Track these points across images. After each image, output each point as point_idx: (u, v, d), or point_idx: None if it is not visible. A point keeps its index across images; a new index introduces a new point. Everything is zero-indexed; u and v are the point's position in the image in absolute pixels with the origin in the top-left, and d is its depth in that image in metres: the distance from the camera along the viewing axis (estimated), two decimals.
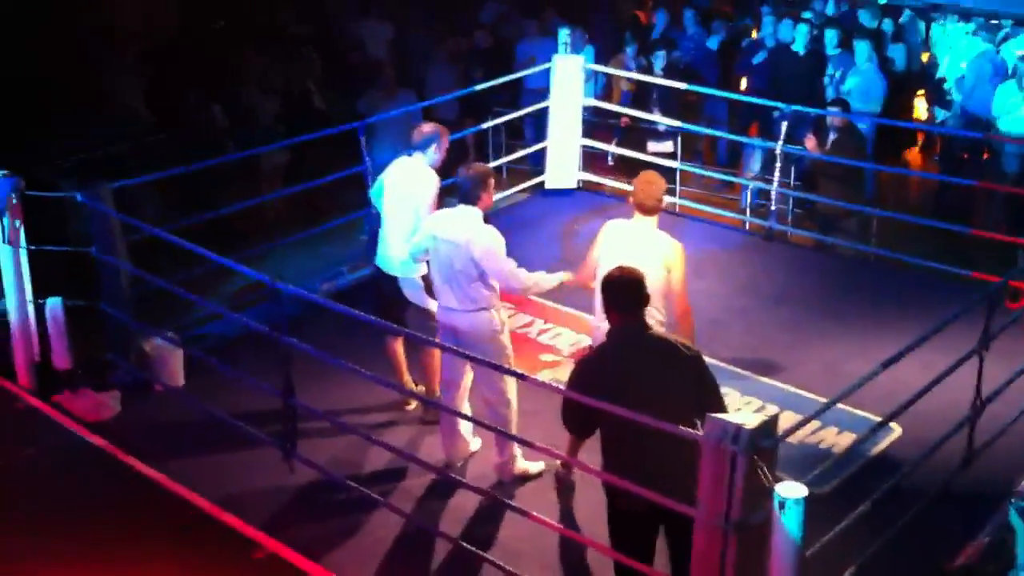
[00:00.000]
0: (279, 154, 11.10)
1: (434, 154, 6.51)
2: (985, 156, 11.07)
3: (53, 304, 6.81)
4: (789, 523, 3.84)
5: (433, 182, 6.42)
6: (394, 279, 6.53)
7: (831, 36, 11.59)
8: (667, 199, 10.31)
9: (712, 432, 3.96)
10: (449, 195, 6.29)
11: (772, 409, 6.45)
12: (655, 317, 5.48)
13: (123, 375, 6.98)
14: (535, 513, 5.07)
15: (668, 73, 11.57)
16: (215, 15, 13.33)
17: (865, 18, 12.76)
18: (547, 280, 6.02)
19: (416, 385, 6.76)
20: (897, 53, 12.28)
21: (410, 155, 6.60)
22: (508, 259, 5.84)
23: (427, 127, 6.62)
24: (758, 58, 11.93)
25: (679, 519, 4.18)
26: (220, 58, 12.03)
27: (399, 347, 6.74)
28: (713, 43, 12.94)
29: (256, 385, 6.10)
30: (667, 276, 5.57)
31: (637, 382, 4.46)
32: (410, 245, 6.23)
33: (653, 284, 5.39)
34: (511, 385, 5.96)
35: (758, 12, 13.32)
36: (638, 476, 4.38)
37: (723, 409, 4.51)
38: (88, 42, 11.93)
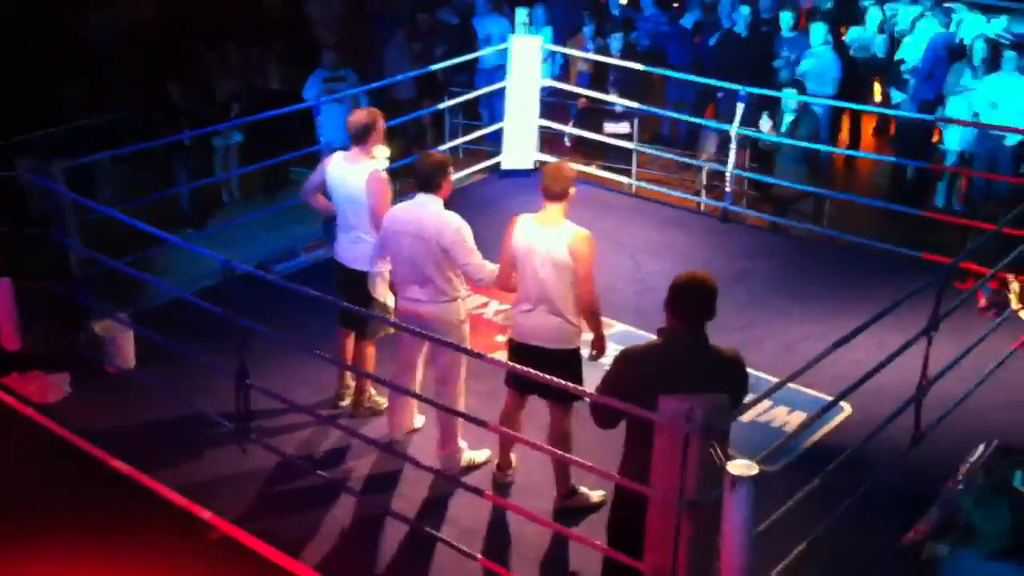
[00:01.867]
0: (233, 133, 11.04)
1: (372, 143, 6.29)
2: (936, 138, 11.20)
3: (2, 284, 6.71)
4: (741, 501, 3.88)
5: (380, 183, 6.17)
6: (355, 273, 6.37)
7: (786, 18, 11.64)
8: (624, 180, 10.54)
9: (666, 412, 3.99)
10: (402, 177, 6.16)
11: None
12: (562, 306, 5.43)
13: (74, 357, 6.90)
14: (488, 492, 5.09)
15: (626, 54, 11.59)
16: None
17: None
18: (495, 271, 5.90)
19: (353, 382, 6.65)
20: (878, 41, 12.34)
21: (347, 149, 6.38)
22: (474, 250, 5.75)
23: (359, 116, 6.32)
24: (711, 40, 11.98)
25: None
26: (181, 39, 11.90)
27: (349, 344, 6.61)
28: (688, 22, 12.93)
29: (210, 366, 6.06)
30: (573, 265, 5.39)
31: (670, 386, 4.13)
32: (373, 246, 6.15)
33: (561, 275, 5.41)
34: (462, 375, 5.95)
35: None
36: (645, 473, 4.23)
37: None
38: (55, 20, 11.79)
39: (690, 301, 4.39)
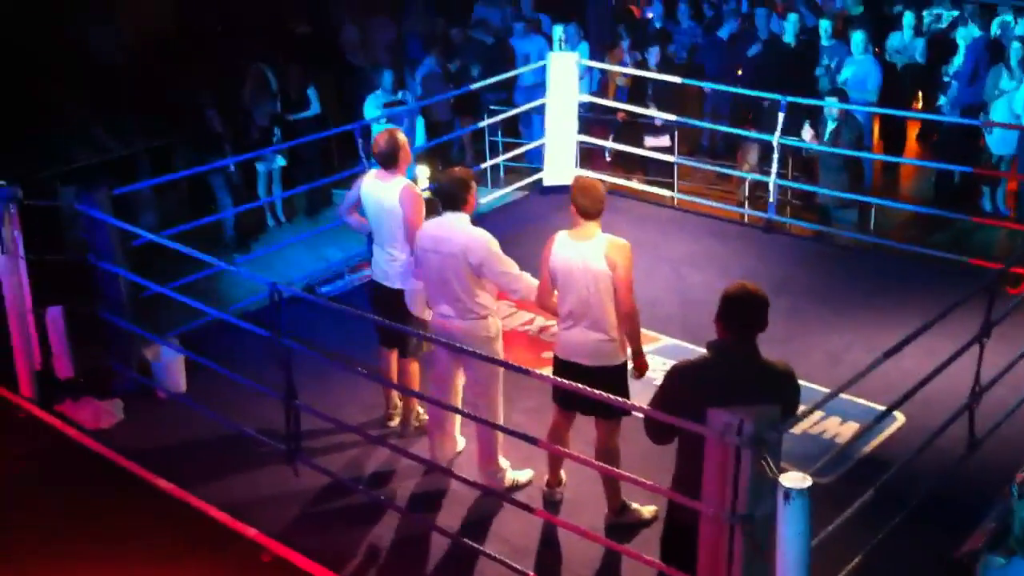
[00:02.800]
0: (276, 158, 11.14)
1: (400, 162, 6.30)
2: (982, 142, 11.07)
3: (53, 312, 6.81)
4: (794, 514, 3.84)
5: (414, 194, 6.22)
6: (392, 291, 6.40)
7: (825, 26, 11.60)
8: (666, 193, 10.51)
9: (716, 426, 3.96)
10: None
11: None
12: (603, 320, 5.41)
13: (125, 383, 6.98)
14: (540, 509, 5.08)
15: (663, 67, 11.58)
16: (214, 17, 13.34)
17: (850, 4, 12.79)
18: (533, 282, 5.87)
19: (400, 401, 6.68)
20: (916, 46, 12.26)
21: (376, 167, 6.41)
22: (508, 261, 5.77)
23: (380, 140, 6.31)
24: (752, 51, 11.94)
25: None
26: (217, 62, 12.04)
27: (393, 363, 6.62)
28: (724, 33, 12.91)
29: (258, 389, 6.10)
30: (611, 275, 5.37)
31: (723, 400, 4.09)
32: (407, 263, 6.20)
33: (600, 286, 5.38)
34: (499, 391, 5.93)
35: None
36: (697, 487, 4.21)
37: None
38: (89, 46, 11.98)
39: (741, 312, 4.36)
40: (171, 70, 11.47)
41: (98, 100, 10.96)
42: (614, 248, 5.40)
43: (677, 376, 4.45)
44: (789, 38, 11.44)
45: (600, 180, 5.73)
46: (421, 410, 6.60)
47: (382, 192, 6.28)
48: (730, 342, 4.36)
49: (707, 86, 11.21)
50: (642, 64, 11.89)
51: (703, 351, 4.48)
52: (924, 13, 13.47)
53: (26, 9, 11.31)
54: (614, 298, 5.41)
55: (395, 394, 6.66)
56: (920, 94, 12.81)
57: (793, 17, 11.50)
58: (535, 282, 5.79)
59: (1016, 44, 10.37)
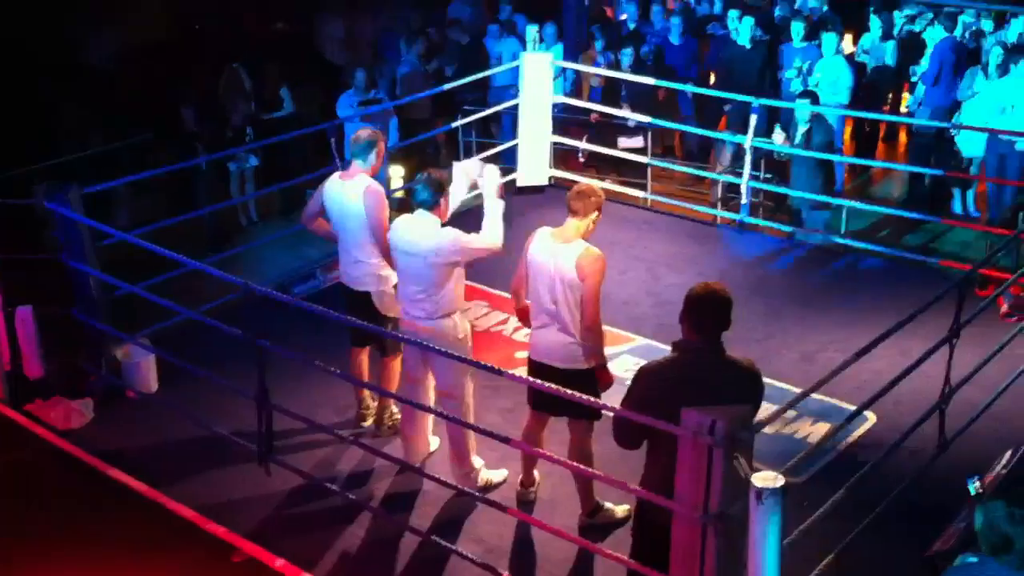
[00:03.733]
0: (249, 157, 11.10)
1: (372, 160, 6.31)
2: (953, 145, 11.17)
3: (23, 312, 6.75)
4: (767, 513, 3.86)
5: (377, 195, 6.24)
6: (359, 294, 6.39)
7: (797, 28, 11.65)
8: (639, 194, 10.53)
9: (689, 425, 3.97)
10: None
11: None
12: (571, 324, 5.41)
13: (96, 382, 6.93)
14: (512, 509, 5.08)
15: (637, 68, 11.60)
16: (194, 19, 13.28)
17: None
18: (497, 226, 5.93)
19: (373, 401, 6.68)
20: (885, 48, 12.35)
21: (346, 167, 6.41)
22: (474, 239, 5.78)
23: (364, 133, 6.36)
24: (716, 53, 12.01)
25: None
26: (193, 63, 11.98)
27: (364, 363, 6.63)
28: (675, 36, 12.94)
29: (231, 389, 6.07)
30: (580, 285, 5.36)
31: (690, 399, 4.12)
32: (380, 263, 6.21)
33: (569, 293, 5.38)
34: (469, 390, 5.93)
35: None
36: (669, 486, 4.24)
37: None
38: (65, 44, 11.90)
39: (706, 312, 4.40)
40: (149, 69, 11.39)
41: (81, 99, 10.88)
42: (587, 258, 5.37)
43: (644, 377, 4.47)
44: (743, 40, 11.47)
45: (596, 188, 5.72)
46: (395, 409, 6.59)
47: (345, 194, 6.26)
48: (695, 342, 4.39)
49: (676, 87, 11.24)
50: (615, 65, 11.91)
51: None
52: (895, 14, 13.57)
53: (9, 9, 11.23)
54: (580, 308, 5.41)
55: (367, 394, 6.65)
56: (890, 96, 12.90)
57: (748, 20, 11.53)
58: (496, 232, 5.85)
59: (997, 49, 10.47)
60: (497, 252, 5.88)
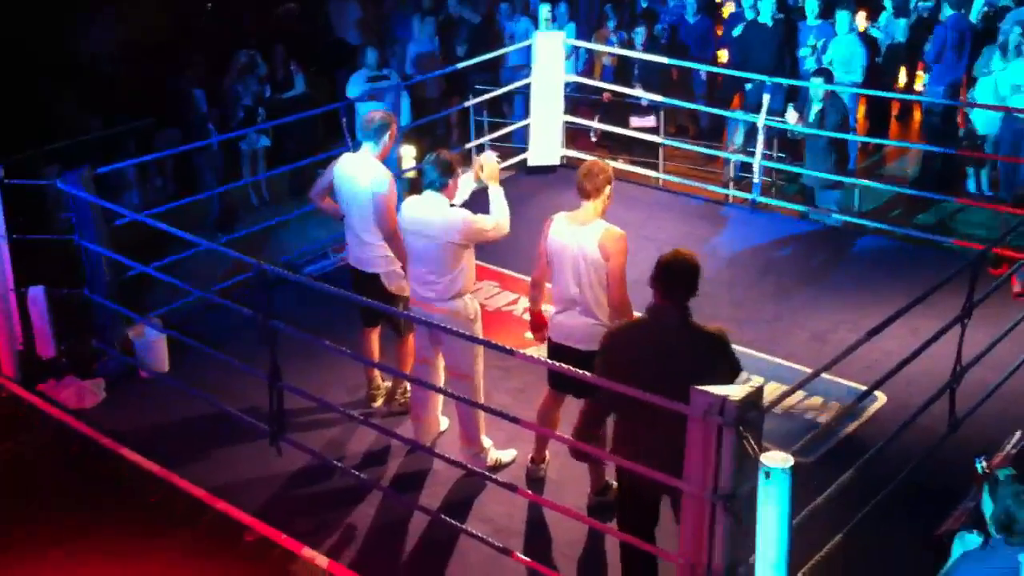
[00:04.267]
0: (261, 138, 11.10)
1: (384, 143, 6.29)
2: (960, 124, 11.10)
3: (35, 292, 6.78)
4: (776, 493, 3.85)
5: (386, 178, 6.21)
6: (367, 276, 6.39)
7: (811, 5, 11.58)
8: (651, 173, 10.50)
9: (698, 404, 3.97)
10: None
11: (758, 381, 6.47)
12: (595, 306, 5.43)
13: (108, 362, 6.96)
14: (522, 489, 5.09)
15: (650, 47, 11.55)
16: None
17: None
18: (503, 210, 5.95)
19: (383, 381, 6.70)
20: (898, 26, 12.27)
21: (357, 149, 6.41)
22: (483, 219, 5.79)
23: (377, 115, 6.35)
24: (736, 31, 11.92)
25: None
26: (205, 44, 11.96)
27: (375, 343, 6.65)
28: (689, 14, 12.88)
29: (242, 369, 6.09)
30: (605, 265, 5.38)
31: (657, 363, 4.40)
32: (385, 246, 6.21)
33: (593, 274, 5.39)
34: (479, 371, 5.93)
35: None
36: (644, 452, 4.39)
37: None
38: (73, 28, 11.90)
39: (673, 279, 4.55)
40: (160, 53, 11.39)
41: (86, 82, 10.89)
42: (610, 238, 5.38)
43: (611, 340, 4.67)
44: (765, 18, 11.41)
45: (604, 164, 5.70)
46: (408, 387, 6.60)
47: (355, 176, 6.26)
48: (662, 307, 4.54)
49: (688, 65, 11.19)
50: (628, 44, 11.86)
51: None
52: None
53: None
54: (606, 288, 5.41)
55: (378, 374, 6.66)
56: (904, 74, 12.83)
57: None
58: (502, 219, 5.89)
59: (1017, 28, 10.37)
60: (504, 235, 5.90)
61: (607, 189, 5.49)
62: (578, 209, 5.50)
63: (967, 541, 4.26)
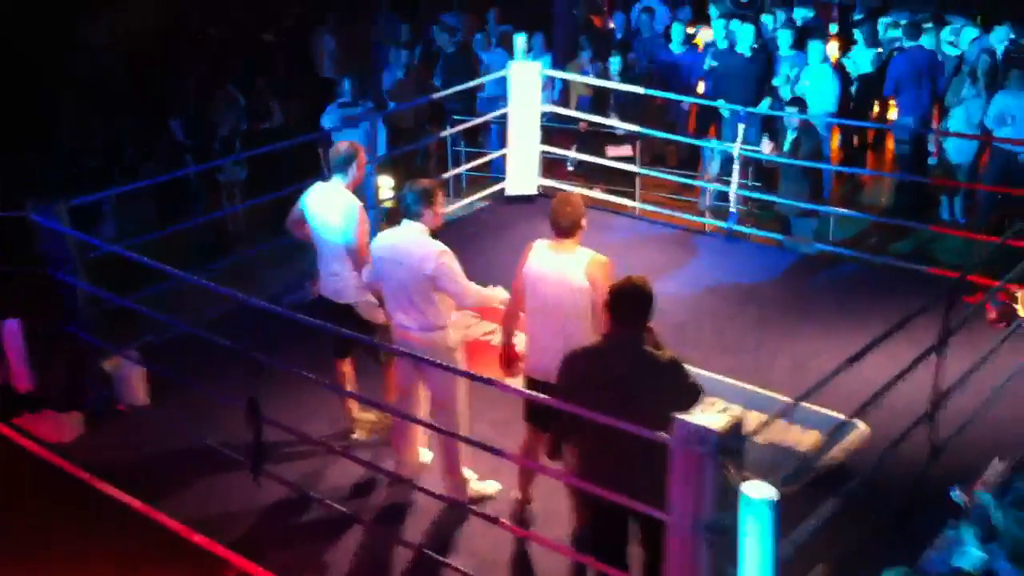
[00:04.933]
0: (238, 169, 11.09)
1: (353, 173, 6.31)
2: (934, 153, 11.23)
3: (11, 324, 6.72)
4: (759, 523, 3.86)
5: (355, 207, 6.22)
6: (341, 307, 6.37)
7: (784, 36, 11.71)
8: (629, 203, 10.55)
9: (680, 435, 3.98)
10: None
11: (736, 409, 6.48)
12: (577, 336, 5.34)
13: (86, 395, 6.90)
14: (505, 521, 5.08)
15: (625, 76, 11.63)
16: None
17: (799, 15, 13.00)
18: (491, 298, 5.93)
19: (361, 413, 6.66)
20: (866, 57, 12.42)
21: (327, 179, 6.43)
22: (460, 273, 5.71)
23: (343, 146, 6.36)
24: (710, 61, 12.03)
25: (650, 520, 4.22)
26: (182, 74, 11.97)
27: (349, 374, 6.62)
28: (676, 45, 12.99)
29: (222, 401, 6.06)
30: (591, 293, 5.33)
31: (618, 390, 4.46)
32: (362, 275, 6.18)
33: (577, 302, 5.36)
34: (462, 401, 5.90)
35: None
36: (607, 477, 4.43)
37: None
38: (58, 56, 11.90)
39: (626, 305, 4.63)
40: (140, 80, 11.39)
41: (69, 110, 10.87)
42: (596, 265, 5.35)
43: (567, 363, 4.75)
44: (743, 48, 11.53)
45: (575, 194, 5.70)
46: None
47: (324, 205, 6.27)
48: (616, 333, 4.64)
49: (664, 96, 11.28)
50: (604, 74, 11.94)
51: None
52: (881, 21, 13.65)
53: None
54: (592, 318, 5.36)
55: (355, 405, 6.63)
56: (876, 104, 12.97)
57: (749, 28, 11.59)
58: (482, 289, 5.86)
59: (984, 56, 10.52)
60: (469, 305, 5.86)
61: (583, 223, 5.48)
62: (558, 241, 5.47)
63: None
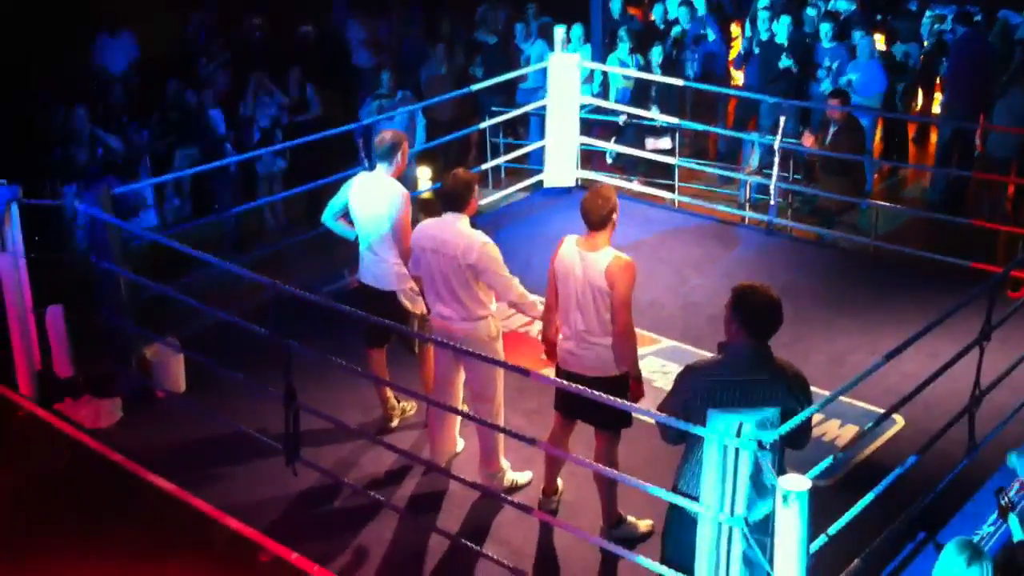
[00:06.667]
0: (278, 160, 11.15)
1: (397, 161, 6.32)
2: (979, 147, 11.07)
3: (53, 311, 6.81)
4: (793, 517, 3.83)
5: (401, 196, 6.23)
6: (382, 293, 6.41)
7: (826, 29, 11.60)
8: (667, 195, 10.50)
9: (715, 427, 3.96)
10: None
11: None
12: (600, 333, 5.36)
13: (125, 382, 6.98)
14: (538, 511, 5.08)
15: (666, 68, 11.58)
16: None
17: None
18: (531, 304, 5.90)
19: (398, 402, 6.70)
20: (912, 49, 12.31)
21: (372, 168, 6.47)
22: (503, 266, 5.73)
23: (388, 135, 6.39)
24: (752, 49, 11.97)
25: None
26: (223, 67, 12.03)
27: (382, 363, 6.63)
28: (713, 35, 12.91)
29: (258, 389, 6.10)
30: (610, 293, 5.28)
31: (741, 403, 4.22)
32: (401, 263, 6.21)
33: (599, 301, 5.32)
34: (500, 391, 5.92)
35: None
36: None
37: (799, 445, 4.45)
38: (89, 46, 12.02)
39: (762, 317, 4.39)
40: (177, 73, 11.47)
41: (103, 101, 10.95)
42: (616, 266, 5.30)
43: (689, 375, 4.46)
44: (781, 39, 11.43)
45: (608, 186, 5.66)
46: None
47: (371, 194, 6.30)
48: (744, 344, 4.37)
49: (704, 88, 11.21)
50: (646, 67, 11.88)
51: (703, 353, 4.51)
52: (926, 14, 13.51)
53: (37, 17, 11.34)
54: (611, 316, 5.35)
55: (391, 394, 6.65)
56: (920, 96, 12.84)
57: (785, 19, 11.50)
58: (526, 293, 5.84)
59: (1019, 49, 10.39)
60: (509, 299, 5.83)
61: (614, 216, 5.44)
62: (587, 236, 5.44)
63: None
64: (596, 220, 5.37)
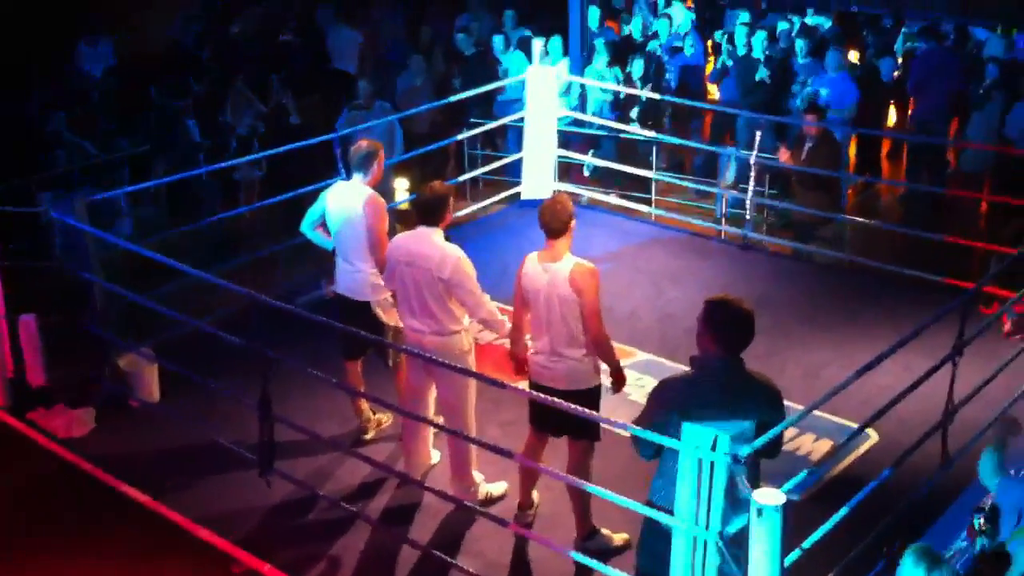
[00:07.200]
0: (254, 168, 11.12)
1: (373, 171, 6.34)
2: (952, 163, 11.17)
3: (26, 319, 6.76)
4: (767, 531, 3.84)
5: (376, 205, 6.25)
6: (358, 304, 6.40)
7: (801, 45, 11.68)
8: (644, 208, 10.53)
9: (689, 441, 3.97)
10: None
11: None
12: (572, 344, 5.37)
13: (99, 392, 6.93)
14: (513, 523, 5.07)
15: (644, 82, 11.62)
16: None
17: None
18: (500, 323, 5.88)
19: (373, 413, 6.68)
20: (885, 65, 12.40)
21: (348, 178, 6.47)
22: (475, 285, 5.73)
23: (364, 144, 6.40)
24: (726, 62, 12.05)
25: None
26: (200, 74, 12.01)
27: (358, 375, 6.63)
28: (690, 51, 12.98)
29: (233, 399, 6.07)
30: (578, 300, 5.32)
31: (715, 417, 4.10)
32: (376, 273, 6.21)
33: (567, 311, 5.34)
34: (471, 405, 5.91)
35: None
36: None
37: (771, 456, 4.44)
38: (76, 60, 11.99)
39: (733, 329, 4.39)
40: (154, 81, 11.43)
41: (81, 108, 10.90)
42: (579, 272, 5.33)
43: (664, 390, 4.46)
44: (757, 54, 11.51)
45: (571, 194, 5.69)
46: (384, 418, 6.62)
47: (347, 203, 6.29)
48: (718, 357, 4.37)
49: (680, 102, 11.26)
50: (627, 80, 11.93)
51: (679, 366, 4.51)
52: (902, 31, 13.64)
53: (17, 21, 11.29)
54: (582, 324, 5.37)
55: (366, 406, 6.63)
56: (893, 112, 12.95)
57: (761, 35, 11.58)
58: (496, 311, 5.84)
59: (992, 66, 10.49)
60: (480, 317, 5.82)
61: (572, 223, 5.47)
62: (547, 248, 5.46)
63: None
64: (558, 227, 5.39)
